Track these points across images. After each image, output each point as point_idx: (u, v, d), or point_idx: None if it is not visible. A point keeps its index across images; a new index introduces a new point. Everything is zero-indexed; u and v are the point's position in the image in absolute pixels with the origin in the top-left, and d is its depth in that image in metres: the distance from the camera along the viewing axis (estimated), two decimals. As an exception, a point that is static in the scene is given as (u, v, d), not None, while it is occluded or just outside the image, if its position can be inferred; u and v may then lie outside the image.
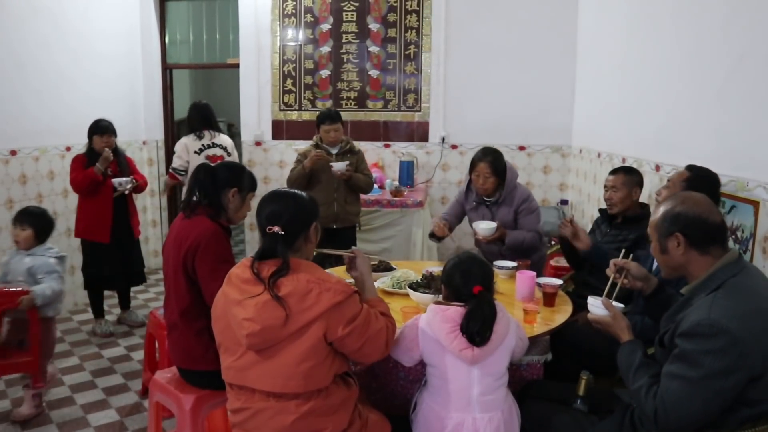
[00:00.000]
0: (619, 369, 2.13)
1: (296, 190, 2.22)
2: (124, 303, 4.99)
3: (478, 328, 2.11)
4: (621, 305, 2.32)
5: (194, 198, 2.72)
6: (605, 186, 3.38)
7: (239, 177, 2.81)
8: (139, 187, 4.74)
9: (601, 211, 3.55)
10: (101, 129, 4.52)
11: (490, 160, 3.68)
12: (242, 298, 1.99)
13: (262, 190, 6.20)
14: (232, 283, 2.07)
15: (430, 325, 2.19)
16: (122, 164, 4.68)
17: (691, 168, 2.93)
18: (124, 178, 4.57)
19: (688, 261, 2.00)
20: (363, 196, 5.20)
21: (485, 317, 2.13)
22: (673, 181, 2.92)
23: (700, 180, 2.82)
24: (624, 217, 3.32)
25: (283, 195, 2.17)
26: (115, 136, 4.60)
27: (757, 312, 1.83)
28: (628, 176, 3.29)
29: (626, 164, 4.08)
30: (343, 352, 2.06)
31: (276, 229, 2.03)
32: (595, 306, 2.29)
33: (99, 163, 4.44)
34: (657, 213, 2.09)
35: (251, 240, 6.41)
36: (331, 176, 4.45)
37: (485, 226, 3.64)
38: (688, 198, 2.05)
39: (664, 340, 2.01)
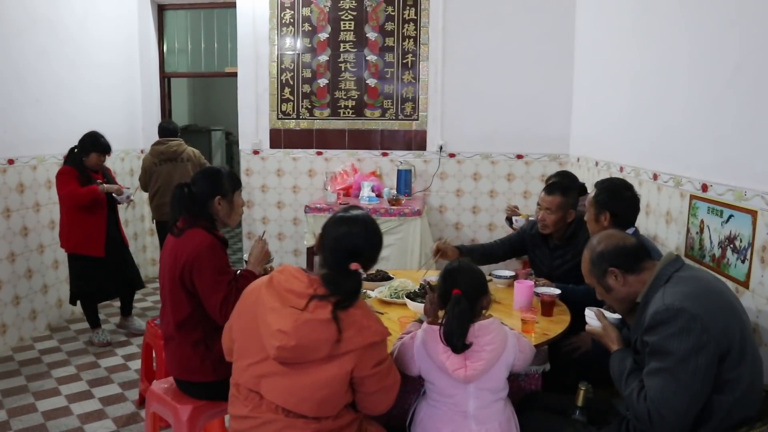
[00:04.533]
0: (612, 377, 2.18)
1: (366, 214, 2.14)
2: (127, 310, 4.97)
3: (452, 331, 2.10)
4: (616, 316, 2.36)
5: (181, 219, 2.67)
6: (538, 204, 3.38)
7: (218, 183, 2.72)
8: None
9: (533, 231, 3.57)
10: (103, 148, 4.51)
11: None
12: (282, 309, 1.94)
13: (259, 199, 6.27)
14: (273, 288, 2.01)
15: (425, 344, 2.20)
16: (108, 177, 4.74)
17: (596, 184, 3.11)
18: (124, 192, 4.63)
19: (631, 286, 2.15)
20: (361, 204, 5.22)
21: (456, 321, 2.11)
22: (588, 203, 3.06)
23: (605, 192, 3.01)
24: (559, 238, 3.40)
25: (362, 222, 2.08)
26: None
27: (705, 292, 1.99)
28: (564, 198, 3.31)
29: (622, 173, 4.09)
30: (358, 390, 2.04)
31: (358, 266, 1.99)
32: (591, 317, 2.38)
33: (105, 188, 4.48)
34: (584, 263, 2.26)
35: (247, 248, 6.40)
36: None
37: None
38: (601, 237, 2.25)
39: (636, 347, 2.11)
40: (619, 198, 2.99)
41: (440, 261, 3.45)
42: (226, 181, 2.74)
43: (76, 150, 4.50)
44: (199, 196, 2.68)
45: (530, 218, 4.39)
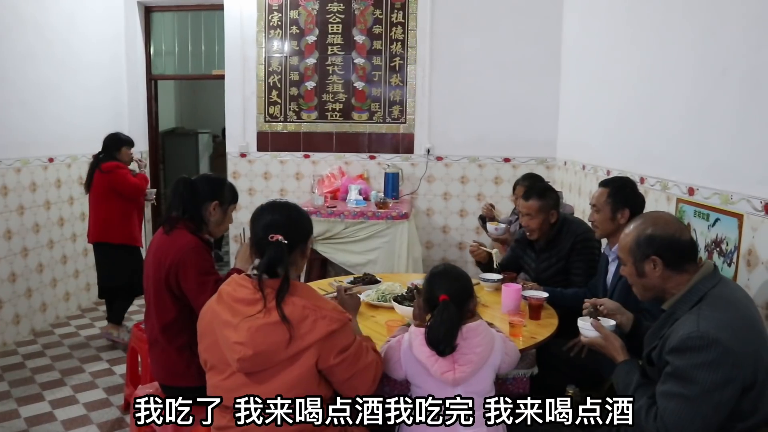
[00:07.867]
0: (616, 390, 2.13)
1: (288, 202, 2.18)
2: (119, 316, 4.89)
3: (439, 337, 2.09)
4: (612, 322, 2.33)
5: (174, 213, 2.69)
6: (520, 211, 3.39)
7: (220, 190, 2.79)
8: None
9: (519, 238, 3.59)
10: (129, 141, 4.77)
11: None
12: (235, 321, 1.93)
13: (246, 202, 6.25)
14: (224, 302, 2.01)
15: (412, 347, 2.18)
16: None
17: (606, 183, 2.99)
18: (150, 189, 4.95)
19: (666, 281, 2.02)
20: (348, 207, 5.21)
21: (444, 326, 2.09)
22: (598, 204, 2.94)
23: (620, 190, 2.90)
24: (544, 240, 3.40)
25: (283, 205, 2.13)
26: None
27: (742, 320, 1.86)
28: (543, 201, 3.30)
29: (609, 176, 4.09)
30: (331, 380, 2.02)
31: (279, 237, 1.98)
32: (586, 329, 2.28)
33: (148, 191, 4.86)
34: (628, 237, 2.09)
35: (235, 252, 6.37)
36: None
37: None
38: (657, 218, 2.08)
39: (652, 357, 2.00)
40: (635, 195, 2.93)
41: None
42: (227, 191, 2.83)
43: (101, 155, 4.65)
44: (198, 195, 2.72)
45: (512, 223, 4.44)
